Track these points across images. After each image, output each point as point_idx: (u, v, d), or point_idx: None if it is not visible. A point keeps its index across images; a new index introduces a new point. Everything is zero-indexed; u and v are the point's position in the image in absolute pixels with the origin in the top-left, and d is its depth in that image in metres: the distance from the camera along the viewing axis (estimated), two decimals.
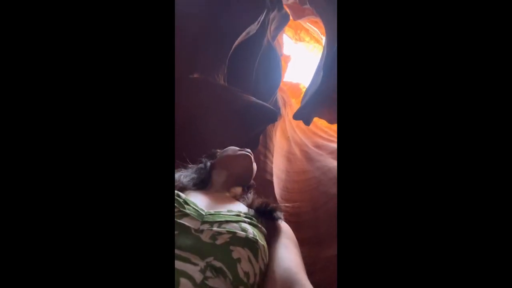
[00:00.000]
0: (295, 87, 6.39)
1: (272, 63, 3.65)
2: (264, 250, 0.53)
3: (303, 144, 4.84)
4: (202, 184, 0.79)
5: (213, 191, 0.76)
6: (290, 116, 5.23)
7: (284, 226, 0.66)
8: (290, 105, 5.51)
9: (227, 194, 0.75)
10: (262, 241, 0.55)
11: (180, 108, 1.75)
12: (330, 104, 3.30)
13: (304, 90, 6.74)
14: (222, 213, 0.58)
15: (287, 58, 6.28)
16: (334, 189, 4.48)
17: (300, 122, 5.41)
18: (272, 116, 1.76)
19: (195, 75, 2.00)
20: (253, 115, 1.74)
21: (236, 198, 0.74)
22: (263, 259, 0.52)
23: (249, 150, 0.89)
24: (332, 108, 3.44)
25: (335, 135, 5.51)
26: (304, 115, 3.42)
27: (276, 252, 0.56)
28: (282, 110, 4.87)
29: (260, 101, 1.73)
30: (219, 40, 2.21)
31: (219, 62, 2.31)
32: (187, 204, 0.58)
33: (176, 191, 0.62)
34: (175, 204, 0.57)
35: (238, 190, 0.79)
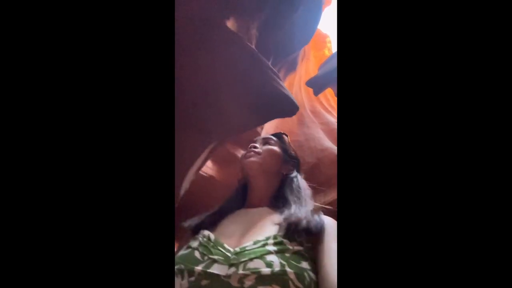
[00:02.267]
0: (321, 38, 5.85)
1: (312, 15, 3.23)
2: (296, 277, 0.52)
3: (301, 105, 4.76)
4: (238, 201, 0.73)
5: (249, 205, 0.70)
6: (303, 71, 4.95)
7: (329, 227, 0.61)
8: (308, 59, 5.15)
9: (265, 207, 0.68)
10: (292, 267, 0.52)
11: (203, 64, 1.59)
12: None
13: (329, 45, 6.19)
14: (247, 248, 0.56)
15: (327, 2, 5.53)
16: (310, 158, 4.74)
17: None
18: (292, 111, 1.68)
19: (230, 21, 1.72)
20: (274, 105, 1.63)
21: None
22: (296, 285, 0.51)
23: (253, 147, 0.76)
24: None
25: (335, 106, 5.44)
26: (317, 84, 3.30)
27: (326, 261, 0.54)
28: (299, 64, 4.54)
29: (286, 93, 1.60)
30: None
31: (259, 6, 1.99)
32: (215, 247, 0.57)
33: (204, 232, 0.61)
34: (203, 251, 0.57)
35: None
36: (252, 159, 0.72)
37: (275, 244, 0.55)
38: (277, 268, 0.50)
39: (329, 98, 5.37)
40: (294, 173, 0.73)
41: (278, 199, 0.67)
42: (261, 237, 0.57)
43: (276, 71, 1.72)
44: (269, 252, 0.53)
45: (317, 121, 4.82)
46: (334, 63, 3.49)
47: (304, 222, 0.58)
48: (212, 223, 0.66)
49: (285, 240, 0.55)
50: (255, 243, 0.55)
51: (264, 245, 0.54)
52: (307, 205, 0.65)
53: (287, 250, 0.53)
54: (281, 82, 1.66)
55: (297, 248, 0.54)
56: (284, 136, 0.83)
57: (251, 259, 0.52)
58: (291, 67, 3.51)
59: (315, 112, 4.89)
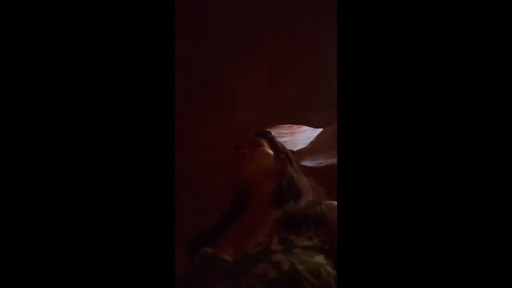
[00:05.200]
0: None
1: None
2: (310, 273, 0.43)
3: None
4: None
5: (251, 210, 0.66)
6: None
7: (336, 211, 0.52)
8: None
9: (267, 209, 0.62)
10: (303, 263, 0.45)
11: None
12: None
13: None
14: (249, 253, 0.49)
15: None
16: None
17: None
18: None
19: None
20: None
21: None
22: (311, 282, 0.42)
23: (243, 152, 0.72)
24: None
25: None
26: None
27: None
28: None
29: None
30: None
31: None
32: (213, 262, 0.52)
33: (202, 249, 0.56)
34: (201, 269, 0.52)
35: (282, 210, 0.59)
36: (247, 166, 0.69)
37: (280, 242, 0.48)
38: (286, 267, 0.43)
39: None
40: (290, 168, 0.71)
41: (278, 197, 0.63)
42: (264, 238, 0.51)
43: None
44: (275, 252, 0.46)
45: None
46: None
47: (302, 213, 0.54)
48: (212, 239, 0.61)
49: (291, 236, 0.49)
50: (256, 246, 0.49)
51: (268, 245, 0.48)
52: (307, 197, 0.61)
53: (295, 246, 0.47)
54: None
55: (306, 243, 0.48)
56: (269, 133, 0.81)
57: (254, 265, 0.46)
58: None
59: None
